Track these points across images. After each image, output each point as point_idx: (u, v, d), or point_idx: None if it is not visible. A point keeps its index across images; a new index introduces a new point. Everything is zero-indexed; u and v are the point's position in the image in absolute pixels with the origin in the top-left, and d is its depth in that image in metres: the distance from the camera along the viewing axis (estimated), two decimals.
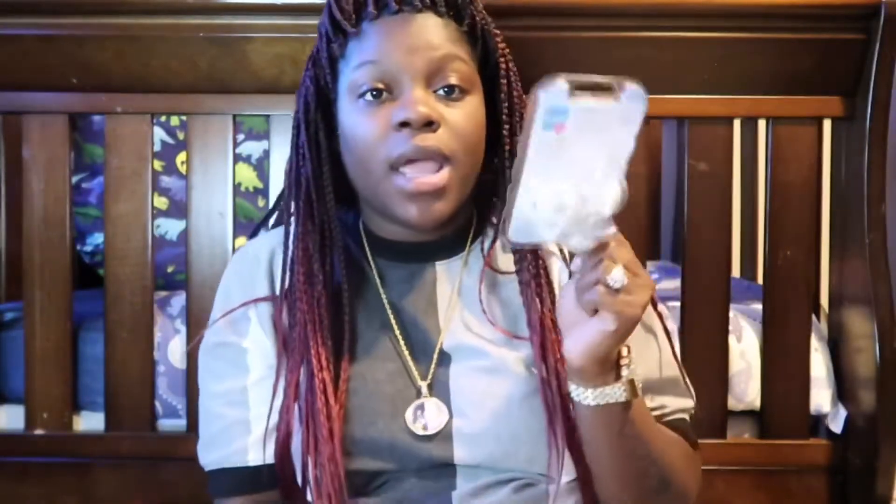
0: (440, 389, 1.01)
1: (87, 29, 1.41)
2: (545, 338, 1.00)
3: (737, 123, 1.87)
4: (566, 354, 0.90)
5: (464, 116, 1.00)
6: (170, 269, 1.84)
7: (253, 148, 1.91)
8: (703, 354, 1.44)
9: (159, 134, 1.89)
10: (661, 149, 2.31)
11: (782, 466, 1.48)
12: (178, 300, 1.53)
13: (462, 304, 1.05)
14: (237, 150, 1.83)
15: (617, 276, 0.83)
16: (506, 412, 0.99)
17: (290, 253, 1.04)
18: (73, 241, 1.49)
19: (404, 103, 0.97)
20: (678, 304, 1.47)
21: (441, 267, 1.07)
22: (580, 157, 0.78)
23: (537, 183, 0.78)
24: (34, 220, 1.44)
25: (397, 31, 0.99)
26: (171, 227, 1.86)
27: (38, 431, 1.45)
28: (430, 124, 0.97)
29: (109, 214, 1.45)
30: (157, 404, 1.46)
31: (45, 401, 1.44)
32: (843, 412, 1.48)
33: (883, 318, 1.40)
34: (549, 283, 1.03)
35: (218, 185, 1.45)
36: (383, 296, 1.06)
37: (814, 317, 1.50)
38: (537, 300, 1.01)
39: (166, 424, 1.48)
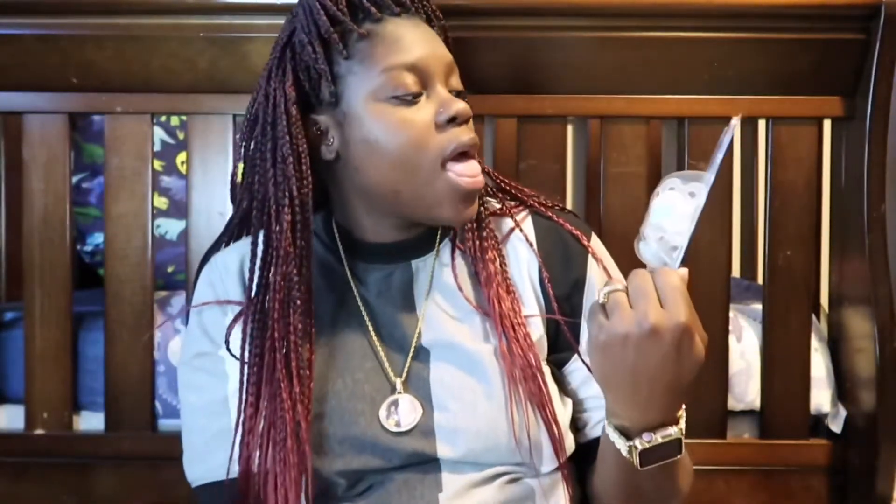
0: (418, 384, 1.02)
1: (87, 29, 1.41)
2: (500, 299, 1.02)
3: None
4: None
5: None
6: (170, 269, 1.84)
7: None
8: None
9: (159, 134, 1.89)
10: (661, 149, 2.31)
11: (782, 466, 1.48)
12: (178, 300, 1.53)
13: (439, 296, 1.07)
14: None
15: (605, 289, 0.85)
16: (486, 405, 1.00)
17: (261, 275, 1.02)
18: (73, 241, 1.49)
19: (446, 101, 1.00)
20: None
21: (417, 265, 1.09)
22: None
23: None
24: (34, 220, 1.44)
25: (412, 34, 1.02)
26: (171, 227, 1.86)
27: (38, 431, 1.45)
28: (468, 120, 1.02)
29: (109, 214, 1.45)
30: (157, 404, 1.46)
31: (45, 401, 1.44)
32: (843, 412, 1.48)
33: (883, 318, 1.40)
34: (495, 243, 1.07)
35: (218, 185, 1.45)
36: (358, 296, 1.07)
37: (814, 317, 1.50)
38: (489, 264, 1.05)
39: (166, 424, 1.47)
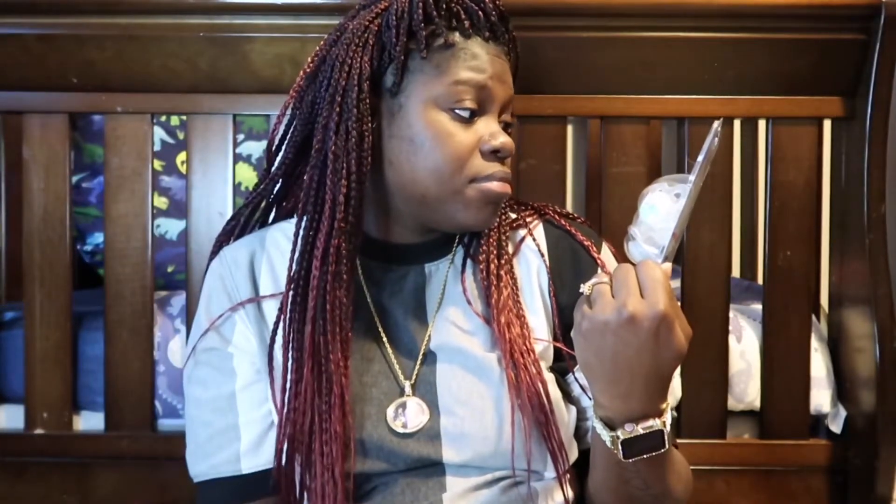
0: (426, 389, 1.03)
1: (87, 29, 1.41)
2: (510, 324, 1.03)
3: (737, 123, 1.87)
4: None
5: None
6: (170, 269, 1.84)
7: (253, 148, 1.91)
8: (703, 354, 1.44)
9: (159, 134, 1.89)
10: (661, 149, 2.31)
11: (782, 466, 1.48)
12: (178, 300, 1.53)
13: (450, 304, 1.07)
14: (237, 150, 1.83)
15: (591, 281, 0.89)
16: (492, 410, 1.01)
17: (308, 248, 1.01)
18: (73, 241, 1.49)
19: (495, 133, 1.03)
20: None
21: (430, 268, 1.09)
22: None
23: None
24: (34, 220, 1.44)
25: (490, 59, 1.03)
26: (171, 227, 1.86)
27: (38, 431, 1.45)
28: (509, 155, 1.05)
29: (109, 214, 1.45)
30: (157, 404, 1.46)
31: (45, 401, 1.45)
32: (842, 412, 1.48)
33: (883, 318, 1.40)
34: (510, 267, 1.08)
35: (218, 185, 1.45)
36: (368, 297, 1.07)
37: (814, 317, 1.50)
38: (503, 289, 1.05)
39: (166, 424, 1.48)
